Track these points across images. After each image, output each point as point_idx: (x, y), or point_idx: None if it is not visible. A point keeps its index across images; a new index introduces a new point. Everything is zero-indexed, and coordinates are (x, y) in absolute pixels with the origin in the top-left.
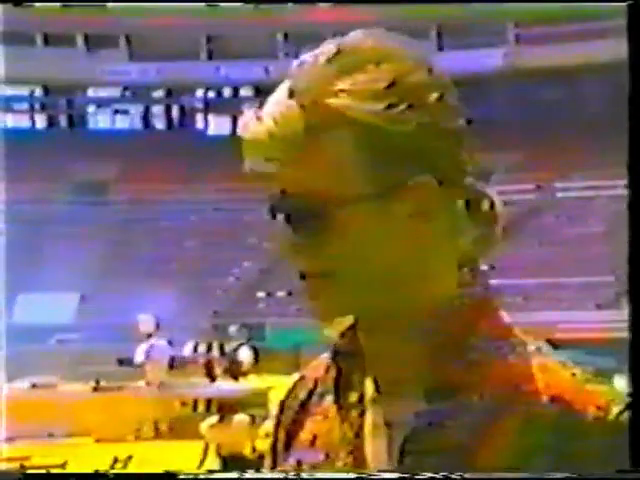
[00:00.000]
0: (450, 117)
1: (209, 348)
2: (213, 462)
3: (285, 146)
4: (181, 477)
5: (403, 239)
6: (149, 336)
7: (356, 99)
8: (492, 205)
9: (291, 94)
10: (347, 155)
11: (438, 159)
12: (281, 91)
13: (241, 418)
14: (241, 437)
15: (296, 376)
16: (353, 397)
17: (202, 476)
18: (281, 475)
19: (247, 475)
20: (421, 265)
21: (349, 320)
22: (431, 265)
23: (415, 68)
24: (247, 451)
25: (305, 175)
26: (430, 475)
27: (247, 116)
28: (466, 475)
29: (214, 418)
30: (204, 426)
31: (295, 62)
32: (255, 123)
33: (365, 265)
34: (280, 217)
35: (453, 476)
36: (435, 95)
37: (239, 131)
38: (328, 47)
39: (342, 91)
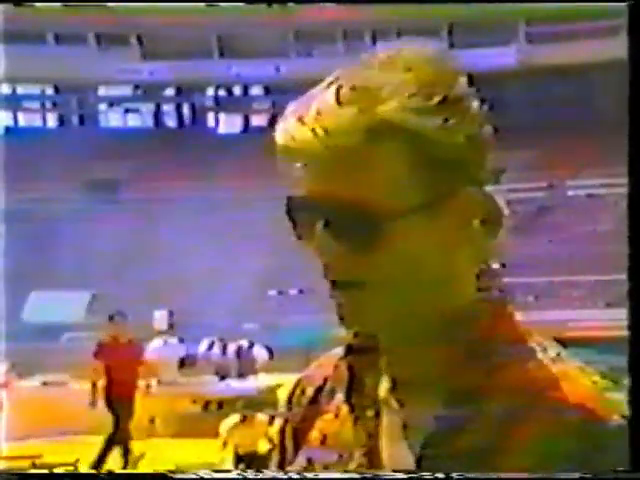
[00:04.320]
0: (484, 125)
1: (224, 347)
2: (235, 461)
3: (336, 153)
4: (185, 477)
5: (444, 248)
6: (161, 333)
7: (411, 112)
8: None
9: (341, 100)
10: (400, 166)
11: (477, 168)
12: (328, 95)
13: (261, 417)
14: (259, 436)
15: (302, 374)
16: (367, 397)
17: (205, 475)
18: (285, 475)
19: (249, 475)
20: (447, 270)
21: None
22: (456, 270)
23: (460, 80)
24: (264, 449)
25: (355, 183)
26: (435, 475)
27: (287, 123)
28: (470, 475)
29: (235, 418)
30: (224, 426)
31: (352, 66)
32: (299, 128)
33: (406, 275)
34: (320, 223)
35: (455, 475)
36: (475, 105)
37: (278, 138)
38: (383, 56)
39: (398, 104)
